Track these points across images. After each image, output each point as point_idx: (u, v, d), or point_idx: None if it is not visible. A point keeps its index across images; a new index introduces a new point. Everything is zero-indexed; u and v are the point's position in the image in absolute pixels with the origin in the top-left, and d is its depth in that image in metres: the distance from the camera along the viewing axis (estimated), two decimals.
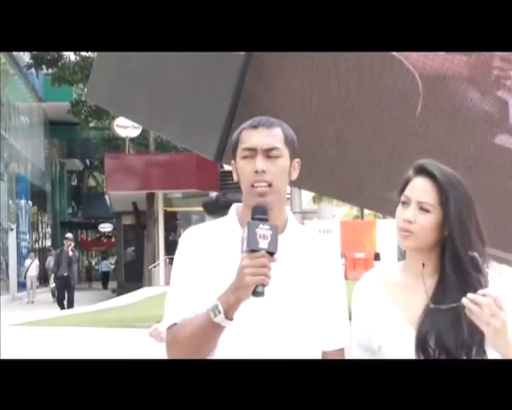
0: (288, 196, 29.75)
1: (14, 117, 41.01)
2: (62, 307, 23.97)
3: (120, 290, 34.01)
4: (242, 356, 2.52)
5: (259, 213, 2.44)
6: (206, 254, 2.60)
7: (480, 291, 2.42)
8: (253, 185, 2.56)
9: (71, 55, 33.52)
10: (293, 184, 2.71)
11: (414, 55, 3.61)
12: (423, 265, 2.66)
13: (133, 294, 28.37)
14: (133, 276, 34.89)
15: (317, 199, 37.10)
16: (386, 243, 26.63)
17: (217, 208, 4.00)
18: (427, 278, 2.66)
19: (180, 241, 2.70)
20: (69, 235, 26.36)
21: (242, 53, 3.59)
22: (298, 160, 2.66)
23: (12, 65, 38.17)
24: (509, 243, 3.76)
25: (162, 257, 33.10)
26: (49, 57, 33.19)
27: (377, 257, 26.90)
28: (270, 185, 2.55)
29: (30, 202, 44.15)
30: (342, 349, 2.67)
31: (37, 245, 45.97)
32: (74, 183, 61.84)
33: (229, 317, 2.44)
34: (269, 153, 2.57)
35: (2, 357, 9.74)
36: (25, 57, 37.41)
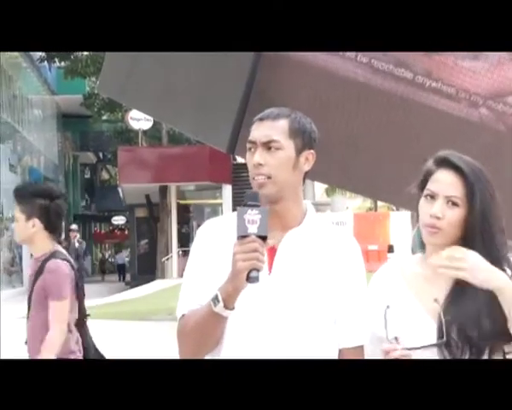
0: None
1: (27, 110, 41.09)
2: None
3: (134, 283, 34.10)
4: (255, 352, 2.50)
5: (250, 200, 2.45)
6: (219, 246, 2.61)
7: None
8: (253, 178, 2.58)
9: None
10: (306, 176, 2.69)
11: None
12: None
13: (146, 286, 28.44)
14: (146, 268, 34.94)
15: (330, 191, 37.09)
16: (400, 235, 26.58)
17: None
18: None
19: (197, 233, 2.73)
20: (74, 226, 25.85)
21: None
22: (312, 151, 2.64)
23: (25, 58, 38.21)
24: None
25: (175, 250, 33.15)
26: None
27: (391, 249, 26.85)
28: (268, 177, 2.55)
29: None
30: (361, 347, 2.62)
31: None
32: (87, 176, 62.01)
33: (228, 306, 2.44)
34: (267, 145, 2.57)
35: (15, 350, 9.76)
36: None
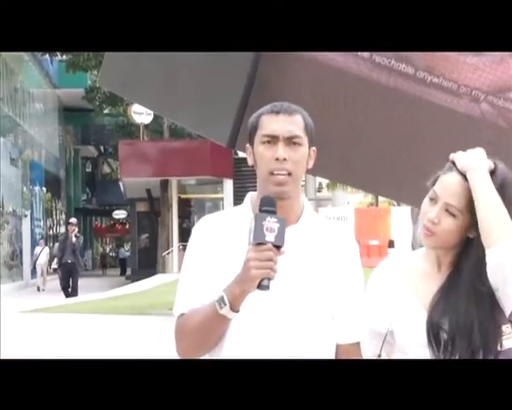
0: (303, 183, 29.69)
1: (28, 103, 41.09)
2: (68, 295, 22.95)
3: (134, 277, 34.10)
4: (254, 348, 2.49)
5: (267, 205, 2.39)
6: (217, 243, 2.57)
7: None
8: (272, 173, 2.52)
9: None
10: (307, 171, 2.68)
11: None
12: None
13: (147, 280, 28.46)
14: (147, 263, 34.96)
15: (332, 186, 37.05)
16: (401, 230, 26.61)
17: None
18: (444, 268, 2.62)
19: (193, 230, 2.67)
20: (73, 220, 25.52)
21: None
22: (314, 148, 2.62)
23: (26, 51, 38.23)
24: None
25: (176, 244, 33.15)
26: None
27: (391, 244, 26.87)
28: (289, 174, 2.51)
29: (44, 189, 44.27)
30: (358, 343, 2.61)
31: (51, 232, 46.11)
32: (89, 169, 62.00)
33: (234, 309, 2.41)
34: (290, 140, 2.52)
35: (15, 344, 9.78)
36: None
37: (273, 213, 2.37)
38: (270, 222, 2.34)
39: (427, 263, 2.66)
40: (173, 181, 33.19)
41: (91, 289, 25.33)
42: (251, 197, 2.64)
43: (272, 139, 2.53)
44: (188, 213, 36.87)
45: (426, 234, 2.59)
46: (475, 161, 2.52)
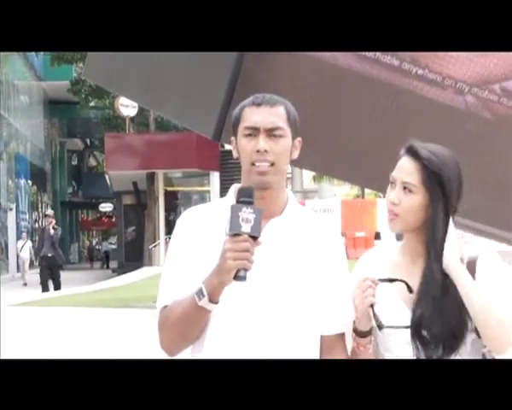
0: (289, 175, 29.73)
1: (13, 96, 40.92)
2: (46, 290, 22.22)
3: (120, 270, 34.03)
4: (236, 341, 2.48)
5: (245, 196, 2.39)
6: (200, 235, 2.57)
7: None
8: (253, 164, 2.52)
9: None
10: (293, 163, 2.67)
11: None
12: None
13: (133, 273, 28.40)
14: (133, 256, 34.87)
15: (318, 178, 37.06)
16: (387, 222, 26.62)
17: None
18: (420, 259, 2.62)
19: (177, 222, 2.68)
20: (50, 212, 24.96)
21: None
22: (299, 139, 2.61)
23: None
24: (508, 222, 3.72)
25: (162, 237, 33.09)
26: None
27: (378, 236, 26.90)
28: (272, 165, 2.51)
29: (29, 182, 44.14)
30: (343, 334, 2.61)
31: (36, 225, 45.98)
32: (75, 162, 61.83)
33: (213, 300, 2.41)
34: (272, 132, 2.52)
35: (1, 338, 9.74)
36: None
37: (250, 203, 2.37)
38: (246, 213, 2.35)
39: (404, 256, 2.67)
40: (159, 174, 33.10)
41: (78, 282, 25.27)
42: (235, 189, 2.63)
43: (254, 131, 2.54)
44: (174, 205, 36.79)
45: (390, 218, 2.63)
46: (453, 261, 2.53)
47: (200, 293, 2.41)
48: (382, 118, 3.70)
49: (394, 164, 2.70)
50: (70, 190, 59.68)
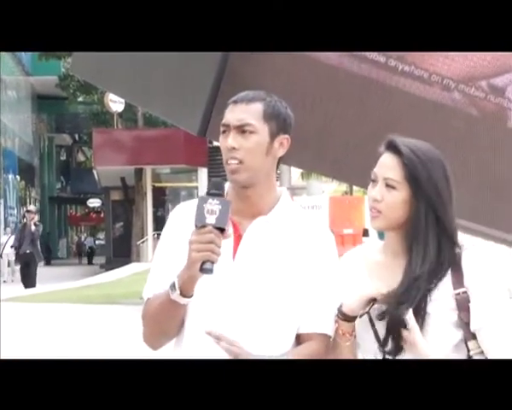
0: (278, 171, 29.65)
1: (1, 91, 40.79)
2: (29, 286, 21.70)
3: (108, 266, 34.00)
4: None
5: (214, 188, 2.40)
6: (187, 230, 2.53)
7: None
8: (227, 162, 2.53)
9: None
10: (281, 161, 2.65)
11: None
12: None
13: (121, 269, 28.41)
14: (121, 251, 34.88)
15: (306, 175, 37.08)
16: (370, 220, 26.65)
17: None
18: (401, 258, 2.60)
19: (169, 216, 2.70)
20: (32, 207, 24.81)
21: None
22: (287, 136, 2.59)
23: None
24: (506, 223, 3.71)
25: (150, 233, 33.11)
26: None
27: (366, 233, 26.88)
28: (240, 162, 2.50)
29: (18, 177, 44.02)
30: (324, 335, 2.56)
31: (24, 220, 45.81)
32: (63, 158, 61.74)
33: (185, 294, 2.41)
34: (241, 129, 2.52)
35: None
36: None
37: (219, 195, 2.38)
38: (212, 204, 2.35)
39: (386, 255, 2.64)
40: (147, 169, 33.11)
41: (65, 277, 25.21)
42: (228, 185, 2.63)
43: (226, 128, 2.55)
44: (162, 201, 36.80)
45: (373, 216, 2.60)
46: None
47: (172, 286, 2.41)
48: (369, 114, 3.69)
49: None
50: (58, 185, 59.59)
